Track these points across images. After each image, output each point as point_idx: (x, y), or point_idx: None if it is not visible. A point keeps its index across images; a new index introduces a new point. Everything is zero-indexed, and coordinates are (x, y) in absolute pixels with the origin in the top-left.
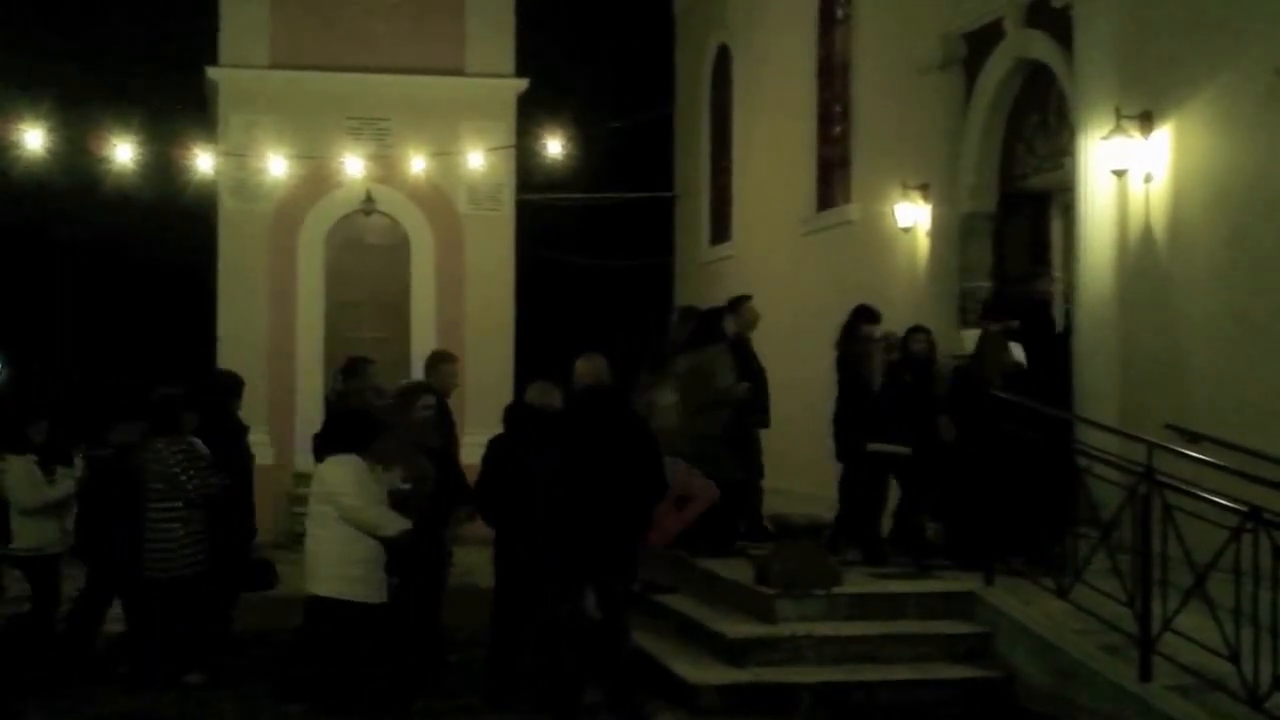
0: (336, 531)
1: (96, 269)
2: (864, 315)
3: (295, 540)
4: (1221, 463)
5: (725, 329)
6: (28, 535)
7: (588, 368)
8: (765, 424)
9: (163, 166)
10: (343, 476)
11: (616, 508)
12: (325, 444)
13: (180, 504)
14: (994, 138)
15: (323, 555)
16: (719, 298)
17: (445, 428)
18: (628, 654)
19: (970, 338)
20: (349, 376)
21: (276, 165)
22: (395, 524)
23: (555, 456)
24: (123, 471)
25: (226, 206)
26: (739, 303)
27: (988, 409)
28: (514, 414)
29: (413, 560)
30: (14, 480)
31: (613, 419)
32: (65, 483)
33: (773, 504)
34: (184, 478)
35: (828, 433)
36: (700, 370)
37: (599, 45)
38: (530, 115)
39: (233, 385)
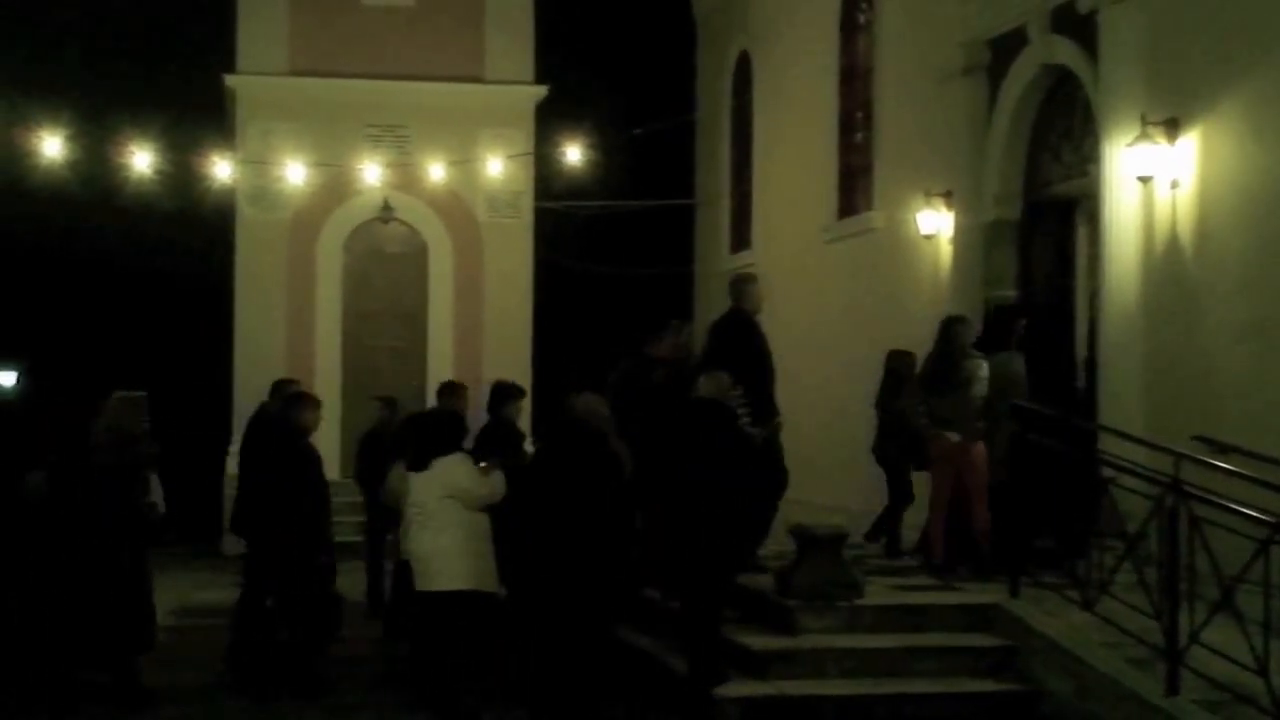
0: (468, 527)
1: (113, 277)
2: None
3: None
4: (1250, 474)
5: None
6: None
7: (711, 385)
8: None
9: (181, 174)
10: (467, 473)
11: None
12: (429, 448)
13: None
14: (1018, 145)
15: (454, 552)
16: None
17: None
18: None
19: None
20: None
21: (295, 173)
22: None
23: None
24: None
25: (245, 214)
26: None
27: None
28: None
29: None
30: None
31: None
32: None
33: (794, 514)
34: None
35: None
36: (1005, 375)
37: (619, 52)
38: (549, 123)
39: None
